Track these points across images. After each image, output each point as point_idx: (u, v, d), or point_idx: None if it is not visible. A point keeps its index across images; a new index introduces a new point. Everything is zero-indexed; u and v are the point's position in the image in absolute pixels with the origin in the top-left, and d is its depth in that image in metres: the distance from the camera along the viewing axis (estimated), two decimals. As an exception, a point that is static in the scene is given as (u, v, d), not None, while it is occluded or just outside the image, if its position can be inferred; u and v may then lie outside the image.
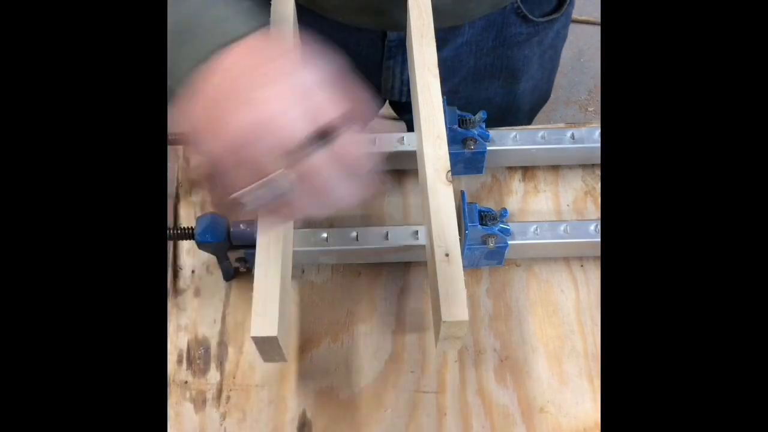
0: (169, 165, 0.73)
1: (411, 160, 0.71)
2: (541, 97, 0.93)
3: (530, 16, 0.78)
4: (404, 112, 0.90)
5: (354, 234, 0.66)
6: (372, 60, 0.79)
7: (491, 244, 0.63)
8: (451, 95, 0.83)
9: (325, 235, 0.65)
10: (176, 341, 0.65)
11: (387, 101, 0.88)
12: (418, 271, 0.68)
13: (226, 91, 0.44)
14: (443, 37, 0.76)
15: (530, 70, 0.84)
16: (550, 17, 0.80)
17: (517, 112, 0.89)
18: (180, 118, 0.46)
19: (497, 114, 0.81)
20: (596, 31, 1.94)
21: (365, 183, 0.46)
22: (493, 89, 0.83)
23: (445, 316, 0.51)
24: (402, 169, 0.73)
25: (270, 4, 0.62)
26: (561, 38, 0.87)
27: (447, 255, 0.54)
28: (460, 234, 0.65)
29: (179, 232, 0.64)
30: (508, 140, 0.70)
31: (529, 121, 0.95)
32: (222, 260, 0.65)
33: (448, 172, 0.57)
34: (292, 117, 0.43)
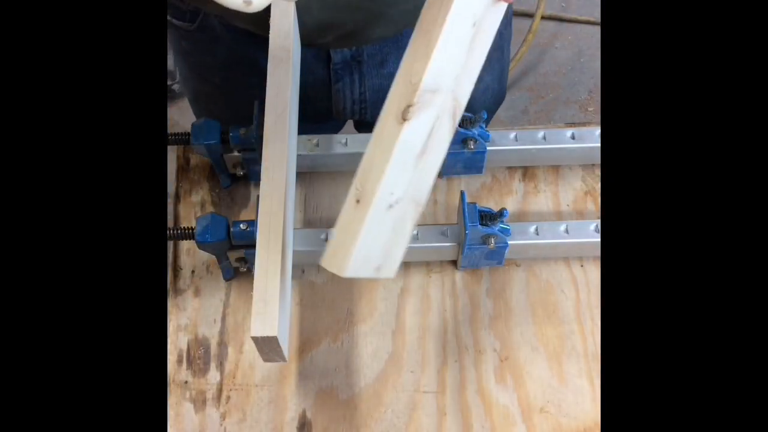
0: (169, 165, 0.73)
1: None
2: (495, 97, 0.92)
3: None
4: (364, 130, 0.88)
5: (354, 234, 0.66)
6: (319, 86, 0.78)
7: (491, 244, 0.63)
8: None
9: (325, 235, 0.65)
10: (176, 341, 0.65)
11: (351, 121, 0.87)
12: (418, 271, 0.68)
13: None
14: (387, 51, 0.76)
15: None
16: None
17: (476, 113, 0.89)
18: None
19: None
20: (596, 31, 1.94)
21: None
22: None
23: (324, 262, 0.49)
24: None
25: None
26: (505, 38, 0.87)
27: (358, 201, 0.47)
28: (460, 234, 0.65)
29: (179, 232, 0.64)
30: (508, 140, 0.71)
31: (487, 123, 0.95)
32: (222, 260, 0.65)
33: (409, 107, 0.47)
34: None
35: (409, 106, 0.46)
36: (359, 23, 0.70)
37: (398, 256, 0.51)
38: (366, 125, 0.86)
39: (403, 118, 0.46)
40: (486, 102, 0.90)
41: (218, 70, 0.81)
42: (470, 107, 0.86)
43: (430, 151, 0.49)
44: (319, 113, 0.81)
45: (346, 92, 0.79)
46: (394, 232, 0.49)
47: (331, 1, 0.67)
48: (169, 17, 0.80)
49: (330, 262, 0.49)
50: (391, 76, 0.80)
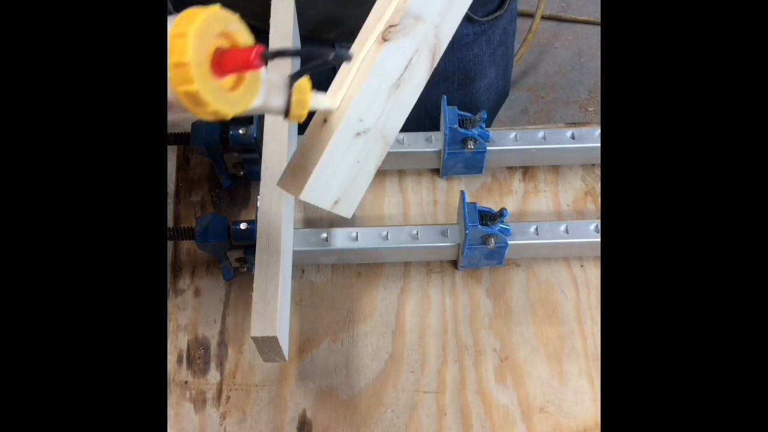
0: (169, 165, 0.73)
1: (410, 160, 0.72)
2: (499, 94, 0.93)
3: (475, 17, 0.78)
4: None
5: (354, 234, 0.66)
6: (324, 80, 0.78)
7: (491, 244, 0.63)
8: None
9: (325, 235, 0.65)
10: (176, 341, 0.65)
11: None
12: (418, 271, 0.68)
13: None
14: None
15: (483, 68, 0.85)
16: (495, 15, 0.81)
17: (476, 113, 0.90)
18: None
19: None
20: (596, 31, 1.94)
21: None
22: (450, 93, 0.83)
23: (280, 182, 0.47)
24: (401, 169, 0.73)
25: None
26: (509, 34, 0.87)
27: (325, 121, 0.45)
28: (460, 234, 0.65)
29: (179, 232, 0.64)
30: (507, 140, 0.71)
31: (490, 121, 0.95)
32: (222, 260, 0.65)
33: (391, 27, 0.45)
34: None
35: (391, 26, 0.45)
36: (363, 18, 0.70)
37: (358, 195, 0.49)
38: None
39: (384, 38, 0.45)
40: (490, 99, 0.90)
41: None
42: (474, 103, 0.86)
43: (405, 85, 0.48)
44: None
45: None
46: (357, 166, 0.47)
47: None
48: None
49: (287, 182, 0.46)
50: None
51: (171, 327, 0.66)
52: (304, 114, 0.43)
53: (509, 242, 0.64)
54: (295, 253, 0.64)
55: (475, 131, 0.68)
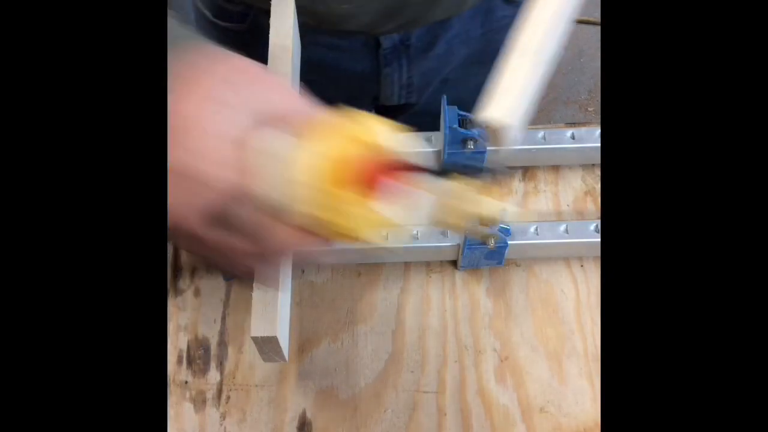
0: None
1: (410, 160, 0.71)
2: None
3: None
4: (396, 115, 0.89)
5: (354, 234, 0.66)
6: (368, 73, 0.79)
7: (491, 243, 0.63)
8: (442, 84, 0.83)
9: (325, 235, 0.65)
10: (176, 341, 0.65)
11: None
12: (418, 271, 0.68)
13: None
14: (434, 33, 0.77)
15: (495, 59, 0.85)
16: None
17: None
18: None
19: (471, 109, 0.82)
20: (596, 31, 1.95)
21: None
22: (483, 75, 0.83)
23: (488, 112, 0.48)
24: (402, 169, 0.73)
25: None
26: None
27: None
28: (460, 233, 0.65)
29: (179, 232, 0.64)
30: (508, 140, 0.70)
31: None
32: (222, 260, 0.65)
33: None
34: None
35: None
36: (421, 8, 0.70)
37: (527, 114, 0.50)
38: (396, 111, 0.86)
39: None
40: None
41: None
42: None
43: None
44: (363, 101, 0.81)
45: (394, 77, 0.79)
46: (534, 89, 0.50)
47: None
48: (214, 19, 0.80)
49: (497, 112, 0.47)
50: (438, 59, 0.80)
51: (171, 327, 0.66)
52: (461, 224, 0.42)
53: (509, 242, 0.64)
54: (295, 252, 0.64)
55: (475, 131, 0.68)
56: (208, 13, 0.80)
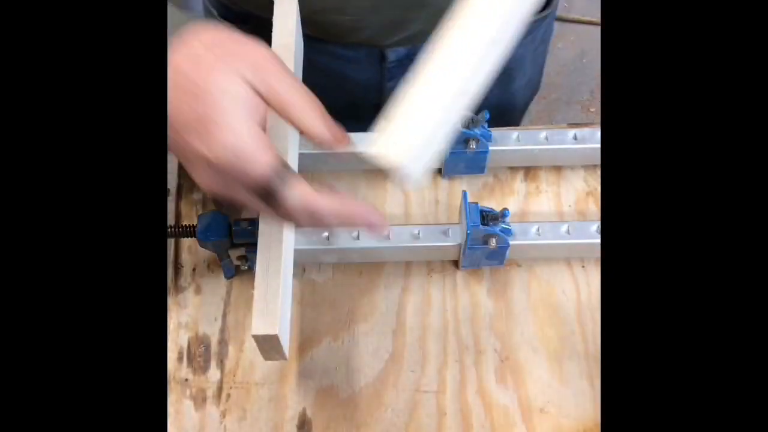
0: (170, 162, 0.73)
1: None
2: (533, 90, 0.93)
3: None
4: None
5: (355, 233, 0.66)
6: (372, 84, 0.79)
7: (493, 244, 0.63)
8: None
9: (326, 234, 0.65)
10: (177, 339, 0.65)
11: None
12: (419, 271, 0.68)
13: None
14: None
15: (524, 67, 0.85)
16: (542, 14, 0.80)
17: (513, 110, 0.90)
18: None
19: (494, 113, 0.82)
20: (599, 31, 1.94)
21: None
22: (489, 91, 0.84)
23: (376, 149, 0.44)
24: (404, 168, 0.73)
25: None
26: (549, 31, 0.87)
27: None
28: (461, 233, 0.65)
29: (181, 229, 0.64)
30: (510, 140, 0.70)
31: (522, 114, 0.96)
32: (223, 258, 0.65)
33: None
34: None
35: None
36: (428, 21, 0.70)
37: (432, 161, 0.46)
38: None
39: None
40: (526, 95, 0.90)
41: None
42: (512, 101, 0.86)
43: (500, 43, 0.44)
44: (365, 108, 0.81)
45: (398, 91, 0.79)
46: (443, 129, 0.44)
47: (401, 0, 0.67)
48: (219, 18, 0.80)
49: (386, 148, 0.43)
50: None
51: (171, 325, 0.66)
52: None
53: (511, 242, 0.64)
54: (296, 251, 0.64)
55: (477, 131, 0.68)
56: (214, 11, 0.81)
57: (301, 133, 0.51)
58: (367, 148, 0.44)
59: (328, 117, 0.52)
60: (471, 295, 0.67)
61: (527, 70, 0.86)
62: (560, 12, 2.00)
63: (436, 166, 0.46)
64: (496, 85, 0.84)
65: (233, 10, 0.78)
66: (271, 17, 0.62)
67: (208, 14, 0.83)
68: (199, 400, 0.63)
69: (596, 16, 1.97)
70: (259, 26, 0.76)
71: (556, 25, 2.03)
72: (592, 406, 0.62)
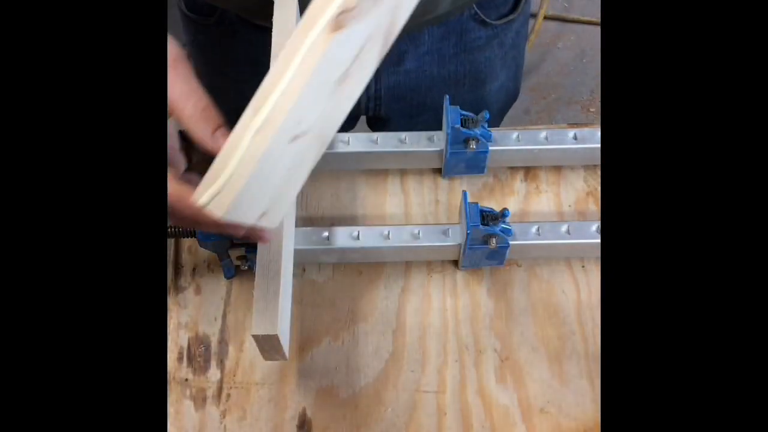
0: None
1: (412, 160, 0.72)
2: (509, 96, 0.93)
3: (488, 20, 0.78)
4: (378, 127, 0.89)
5: (355, 233, 0.66)
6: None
7: (493, 244, 0.63)
8: (419, 107, 0.83)
9: (326, 234, 0.65)
10: (177, 339, 0.65)
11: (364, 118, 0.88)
12: (419, 271, 0.68)
13: None
14: (404, 48, 0.77)
15: (494, 71, 0.85)
16: (508, 18, 0.81)
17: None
18: None
19: None
20: (599, 31, 1.95)
21: None
22: (460, 95, 0.84)
23: (199, 198, 0.41)
24: (403, 168, 0.73)
25: None
26: (522, 37, 0.87)
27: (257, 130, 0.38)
28: (461, 233, 0.65)
29: (181, 230, 0.64)
30: (510, 140, 0.70)
31: (498, 122, 0.96)
32: (223, 258, 0.65)
33: (346, 12, 0.36)
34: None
35: (346, 11, 0.35)
36: (422, 19, 0.70)
37: (287, 202, 0.43)
38: (379, 121, 0.87)
39: (338, 25, 0.36)
40: (500, 100, 0.90)
41: (234, 64, 0.81)
42: (484, 106, 0.86)
43: (352, 77, 0.41)
44: (353, 110, 0.82)
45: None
46: (289, 173, 0.41)
47: None
48: (185, 10, 0.80)
49: (208, 199, 0.40)
50: (407, 73, 0.80)
51: (171, 325, 0.66)
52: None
53: (511, 242, 0.64)
54: (296, 251, 0.64)
55: (477, 131, 0.68)
56: (181, 4, 0.81)
57: (192, 142, 0.48)
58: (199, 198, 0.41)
59: (218, 124, 0.47)
60: (471, 295, 0.67)
61: (498, 75, 0.86)
62: (560, 12, 2.00)
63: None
64: (467, 89, 0.84)
65: (198, 3, 0.78)
66: (238, 11, 0.61)
67: (173, 5, 0.83)
68: (199, 400, 0.63)
69: (596, 16, 1.97)
70: (225, 19, 0.76)
71: (556, 25, 2.04)
72: (592, 406, 0.62)
